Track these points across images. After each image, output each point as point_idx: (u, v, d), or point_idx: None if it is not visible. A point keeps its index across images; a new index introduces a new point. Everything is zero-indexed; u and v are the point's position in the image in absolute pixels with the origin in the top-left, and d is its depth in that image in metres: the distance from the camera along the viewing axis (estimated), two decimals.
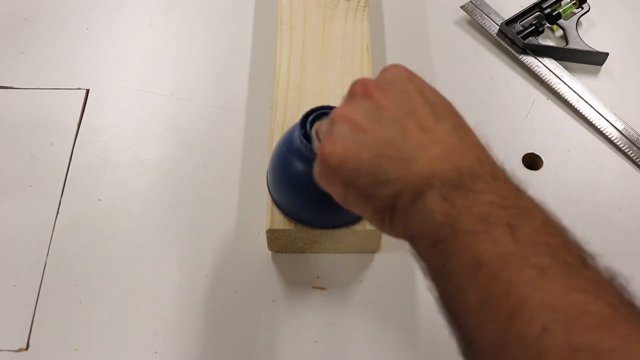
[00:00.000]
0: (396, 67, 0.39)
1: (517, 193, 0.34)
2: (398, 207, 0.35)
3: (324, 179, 0.38)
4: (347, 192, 0.37)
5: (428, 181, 0.34)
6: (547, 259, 0.31)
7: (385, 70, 0.39)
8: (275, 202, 0.51)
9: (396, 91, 0.37)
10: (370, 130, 0.36)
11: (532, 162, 0.60)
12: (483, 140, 0.37)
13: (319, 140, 0.41)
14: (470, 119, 0.62)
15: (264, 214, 0.52)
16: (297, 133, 0.45)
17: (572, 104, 0.62)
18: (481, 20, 0.68)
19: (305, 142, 0.44)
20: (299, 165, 0.46)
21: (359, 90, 0.38)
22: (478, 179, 0.34)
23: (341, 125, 0.37)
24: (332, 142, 0.36)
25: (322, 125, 0.41)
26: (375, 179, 0.35)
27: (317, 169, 0.38)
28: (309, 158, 0.44)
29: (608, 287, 0.30)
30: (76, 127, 0.61)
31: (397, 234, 0.37)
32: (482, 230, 0.32)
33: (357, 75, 0.58)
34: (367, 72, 0.59)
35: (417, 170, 0.34)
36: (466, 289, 0.32)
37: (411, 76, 0.38)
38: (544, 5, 0.68)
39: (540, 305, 0.29)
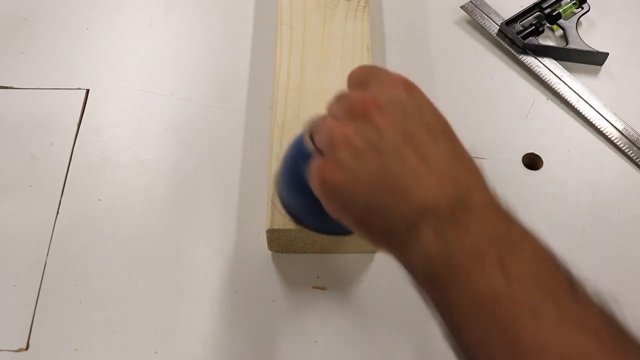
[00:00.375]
0: (395, 81, 0.38)
1: (507, 221, 0.35)
2: (392, 238, 0.36)
3: (320, 194, 0.38)
4: (341, 214, 0.37)
5: (422, 215, 0.34)
6: (538, 295, 0.32)
7: (383, 81, 0.38)
8: (284, 206, 0.50)
9: (396, 112, 0.37)
10: (369, 159, 0.36)
11: (532, 162, 0.60)
12: (475, 162, 0.38)
13: (314, 143, 0.40)
14: (471, 119, 0.62)
15: (264, 214, 0.52)
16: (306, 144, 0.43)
17: (572, 104, 0.62)
18: (481, 20, 0.68)
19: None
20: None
21: (358, 110, 0.37)
22: (470, 211, 0.34)
23: (342, 151, 0.36)
24: (332, 168, 0.36)
25: (320, 128, 0.39)
26: (369, 209, 0.36)
27: (314, 184, 0.38)
28: None
29: (597, 318, 0.31)
30: (76, 127, 0.61)
31: (388, 255, 0.37)
32: (474, 268, 0.33)
33: None
34: None
35: (412, 204, 0.35)
36: (463, 327, 0.33)
37: (410, 92, 0.38)
38: (544, 5, 0.68)
39: (533, 345, 0.30)
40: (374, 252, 0.54)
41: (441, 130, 0.38)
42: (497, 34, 0.67)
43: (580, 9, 0.68)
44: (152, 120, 0.62)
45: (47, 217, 0.55)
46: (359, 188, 0.36)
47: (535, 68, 0.65)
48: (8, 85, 0.64)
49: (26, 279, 0.52)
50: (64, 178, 0.58)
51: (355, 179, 0.36)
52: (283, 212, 0.50)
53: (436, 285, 0.34)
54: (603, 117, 0.62)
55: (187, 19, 0.69)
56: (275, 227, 0.50)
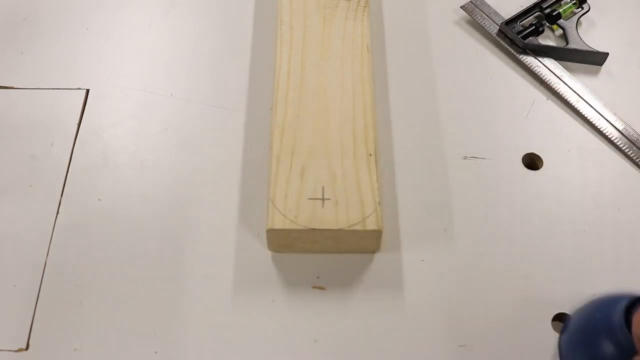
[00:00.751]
0: None
1: None
2: None
3: None
4: None
5: None
6: None
7: None
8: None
9: None
10: None
11: (532, 162, 0.60)
12: None
13: None
14: (471, 119, 0.62)
15: (264, 214, 0.52)
16: (619, 324, 0.41)
17: (572, 104, 0.62)
18: (481, 20, 0.68)
19: (631, 338, 0.41)
20: (609, 348, 0.43)
21: None
22: None
23: None
24: None
25: None
26: None
27: None
28: (624, 347, 0.41)
29: None
30: (76, 127, 0.61)
31: None
32: None
33: (358, 76, 0.58)
34: (367, 72, 0.59)
35: None
36: None
37: None
38: (544, 5, 0.68)
39: None
40: (374, 252, 0.54)
41: None
42: (497, 34, 0.67)
43: (580, 9, 0.68)
44: (152, 120, 0.62)
45: (47, 217, 0.55)
46: None
47: (535, 68, 0.65)
48: (8, 85, 0.64)
49: (26, 279, 0.52)
50: (64, 178, 0.58)
51: None
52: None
53: None
54: (603, 117, 0.62)
55: (187, 19, 0.69)
56: (275, 227, 0.50)
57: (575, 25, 0.67)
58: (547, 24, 0.68)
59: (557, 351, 0.48)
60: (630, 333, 0.41)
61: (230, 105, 0.62)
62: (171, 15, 0.69)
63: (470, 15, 0.69)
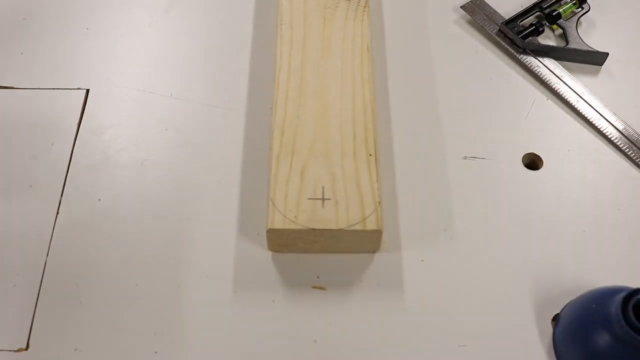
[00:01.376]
0: None
1: None
2: None
3: None
4: None
5: None
6: None
7: None
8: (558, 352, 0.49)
9: None
10: None
11: (532, 162, 0.60)
12: None
13: None
14: (471, 119, 0.62)
15: (264, 214, 0.52)
16: (616, 315, 0.42)
17: (572, 104, 0.62)
18: (481, 20, 0.68)
19: (628, 329, 0.42)
20: (605, 339, 0.44)
21: None
22: None
23: None
24: None
25: None
26: None
27: None
28: (620, 338, 0.42)
29: None
30: (76, 127, 0.61)
31: None
32: None
33: (358, 76, 0.58)
34: (367, 72, 0.59)
35: None
36: None
37: None
38: (544, 5, 0.68)
39: None
40: (374, 252, 0.54)
41: None
42: (497, 34, 0.67)
43: (580, 9, 0.68)
44: (152, 120, 0.62)
45: (47, 217, 0.55)
46: None
47: (535, 68, 0.65)
48: (8, 85, 0.64)
49: (26, 279, 0.52)
50: (64, 178, 0.58)
51: None
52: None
53: None
54: (603, 117, 0.62)
55: (187, 19, 0.69)
56: (275, 227, 0.50)
57: (575, 25, 0.67)
58: (547, 24, 0.68)
59: (552, 344, 0.49)
60: (627, 324, 0.41)
61: (230, 105, 0.62)
62: (171, 15, 0.69)
63: (470, 15, 0.69)
